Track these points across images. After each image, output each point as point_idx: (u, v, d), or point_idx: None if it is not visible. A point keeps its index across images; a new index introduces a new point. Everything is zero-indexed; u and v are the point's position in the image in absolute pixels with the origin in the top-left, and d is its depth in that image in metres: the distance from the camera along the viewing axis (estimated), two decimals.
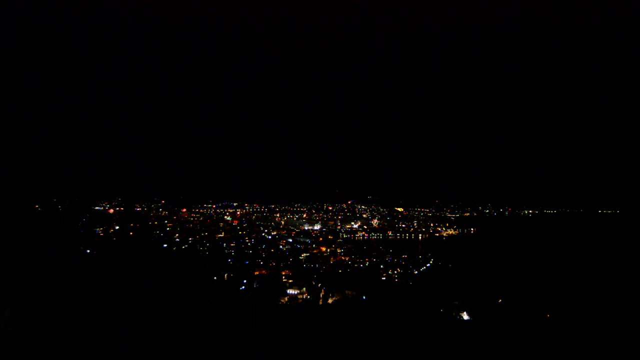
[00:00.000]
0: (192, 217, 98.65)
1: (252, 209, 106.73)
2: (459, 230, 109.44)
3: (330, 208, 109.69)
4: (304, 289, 54.95)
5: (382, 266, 69.20)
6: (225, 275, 61.90)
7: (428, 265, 73.19)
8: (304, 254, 73.78)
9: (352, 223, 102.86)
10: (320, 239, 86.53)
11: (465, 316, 46.48)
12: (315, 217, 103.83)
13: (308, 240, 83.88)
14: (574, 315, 44.52)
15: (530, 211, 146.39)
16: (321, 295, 53.74)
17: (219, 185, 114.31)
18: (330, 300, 53.11)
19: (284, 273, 62.65)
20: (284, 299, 53.13)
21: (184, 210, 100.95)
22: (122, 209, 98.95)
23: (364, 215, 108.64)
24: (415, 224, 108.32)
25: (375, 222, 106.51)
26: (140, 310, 39.36)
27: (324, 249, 77.99)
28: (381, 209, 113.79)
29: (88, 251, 71.57)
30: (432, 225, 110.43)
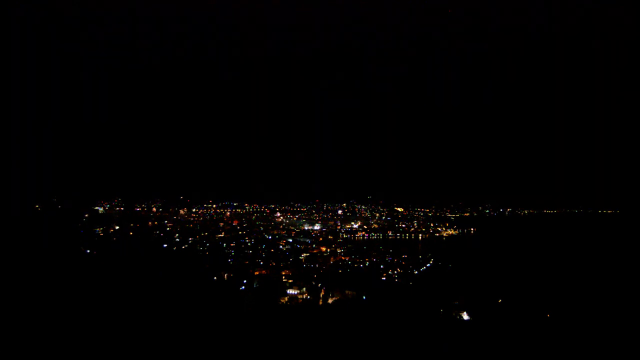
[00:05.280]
0: (192, 217, 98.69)
1: (252, 209, 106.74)
2: (459, 230, 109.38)
3: (330, 208, 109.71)
4: (304, 289, 54.84)
5: (382, 266, 69.12)
6: (225, 275, 61.84)
7: (428, 265, 73.10)
8: (304, 254, 73.70)
9: (352, 223, 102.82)
10: (320, 239, 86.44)
11: (465, 316, 46.48)
12: (315, 217, 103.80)
13: (308, 240, 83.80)
14: (574, 315, 44.54)
15: (530, 211, 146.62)
16: (321, 295, 53.66)
17: (219, 185, 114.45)
18: (330, 300, 53.03)
19: (284, 273, 62.55)
20: (284, 299, 53.04)
21: (185, 210, 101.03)
22: (122, 209, 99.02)
23: (364, 215, 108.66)
24: (415, 224, 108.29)
25: (375, 222, 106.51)
26: (140, 310, 39.34)
27: (324, 249, 77.91)
28: (381, 209, 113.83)
29: (88, 251, 71.63)
30: (432, 225, 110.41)
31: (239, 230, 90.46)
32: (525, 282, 62.43)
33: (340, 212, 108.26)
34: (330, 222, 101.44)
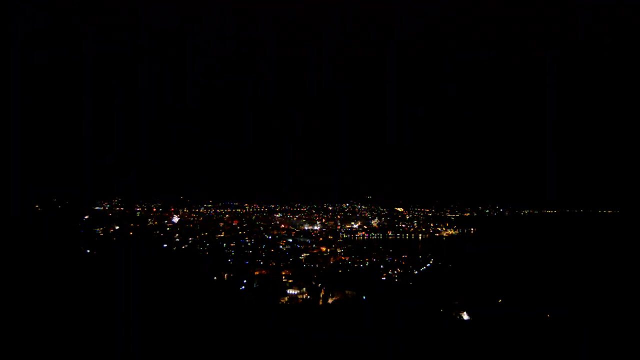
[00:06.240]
0: (192, 217, 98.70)
1: (252, 209, 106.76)
2: (459, 230, 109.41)
3: (330, 208, 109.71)
4: (304, 289, 54.90)
5: (382, 266, 69.18)
6: (225, 275, 61.87)
7: (428, 265, 73.16)
8: (304, 254, 73.76)
9: (352, 223, 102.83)
10: (320, 239, 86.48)
11: (465, 316, 46.52)
12: (315, 217, 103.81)
13: (308, 240, 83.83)
14: (574, 315, 44.55)
15: (530, 211, 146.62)
16: (321, 295, 53.71)
17: (219, 185, 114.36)
18: (330, 300, 53.08)
19: (284, 273, 62.58)
20: (284, 299, 53.09)
21: (185, 210, 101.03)
22: (122, 209, 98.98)
23: (364, 215, 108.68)
24: (415, 224, 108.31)
25: (375, 222, 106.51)
26: (140, 310, 39.34)
27: (324, 248, 77.95)
28: (381, 209, 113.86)
29: (88, 251, 71.62)
30: (432, 225, 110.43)
31: (239, 230, 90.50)
32: (525, 282, 62.48)
33: (339, 212, 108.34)
34: (330, 222, 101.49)
